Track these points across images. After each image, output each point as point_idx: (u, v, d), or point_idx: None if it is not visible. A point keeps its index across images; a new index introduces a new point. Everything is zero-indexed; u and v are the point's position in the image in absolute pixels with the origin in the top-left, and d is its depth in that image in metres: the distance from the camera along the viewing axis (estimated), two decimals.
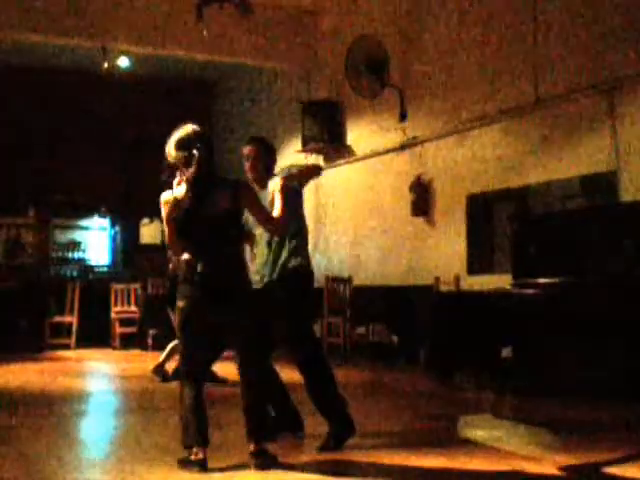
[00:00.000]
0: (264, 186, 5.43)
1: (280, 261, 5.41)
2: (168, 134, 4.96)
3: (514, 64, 9.71)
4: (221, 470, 4.62)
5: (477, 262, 10.13)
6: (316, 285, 13.20)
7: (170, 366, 8.68)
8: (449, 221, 10.69)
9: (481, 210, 10.18)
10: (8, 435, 5.79)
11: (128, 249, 16.70)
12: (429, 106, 11.19)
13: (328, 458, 4.97)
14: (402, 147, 11.60)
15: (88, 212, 16.56)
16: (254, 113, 16.28)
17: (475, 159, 10.31)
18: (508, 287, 8.21)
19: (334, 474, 4.59)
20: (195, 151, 4.79)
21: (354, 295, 11.97)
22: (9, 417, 6.61)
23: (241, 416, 4.78)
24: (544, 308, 7.50)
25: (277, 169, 5.61)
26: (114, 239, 16.87)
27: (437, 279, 10.29)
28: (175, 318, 5.18)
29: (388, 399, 7.93)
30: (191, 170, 4.77)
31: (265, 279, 5.42)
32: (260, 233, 5.44)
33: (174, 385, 7.66)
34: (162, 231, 16.60)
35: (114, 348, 13.42)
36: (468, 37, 10.47)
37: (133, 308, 13.74)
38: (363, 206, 12.35)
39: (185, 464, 4.65)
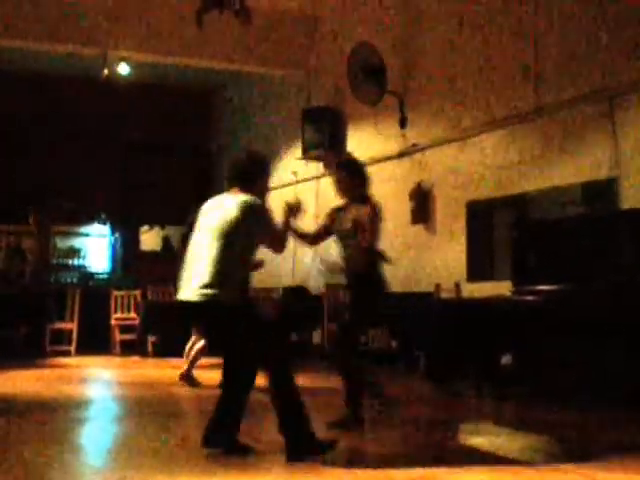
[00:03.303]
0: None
1: None
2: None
3: (514, 71, 9.72)
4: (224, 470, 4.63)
5: (477, 269, 10.13)
6: (316, 292, 13.28)
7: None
8: (449, 228, 10.70)
9: (481, 217, 10.19)
10: (8, 441, 5.78)
11: (128, 256, 16.72)
12: (429, 113, 11.21)
13: (326, 463, 4.96)
14: (402, 154, 11.62)
15: (88, 219, 16.59)
16: (254, 120, 16.30)
17: (475, 166, 10.32)
18: (508, 294, 8.21)
19: None
20: None
21: None
22: (9, 424, 6.61)
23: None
24: (544, 315, 7.50)
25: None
26: (114, 246, 16.89)
27: (437, 286, 10.29)
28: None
29: (387, 405, 7.92)
30: None
31: None
32: None
33: (175, 391, 7.68)
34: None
35: (114, 355, 13.41)
36: (468, 44, 10.49)
37: (133, 315, 13.74)
38: None
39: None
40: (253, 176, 5.31)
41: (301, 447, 4.92)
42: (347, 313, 6.29)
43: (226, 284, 4.92)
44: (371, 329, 10.07)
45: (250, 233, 5.06)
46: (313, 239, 6.49)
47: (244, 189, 5.21)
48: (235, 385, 5.21)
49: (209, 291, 4.89)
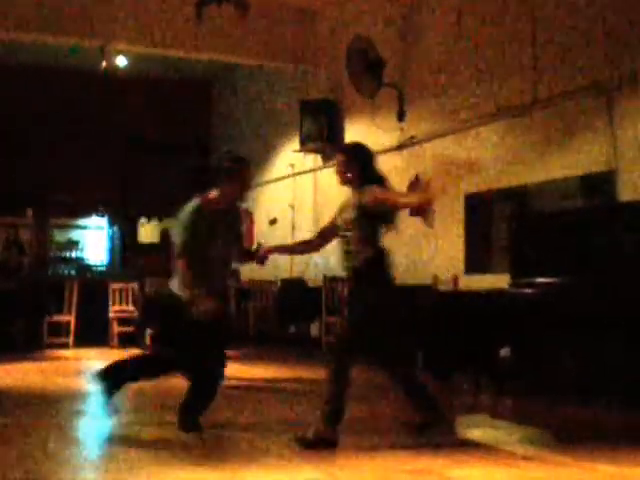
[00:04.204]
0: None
1: None
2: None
3: (512, 63, 9.70)
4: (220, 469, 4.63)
5: (475, 261, 10.12)
6: (314, 285, 13.28)
7: None
8: (447, 221, 10.68)
9: (479, 209, 10.17)
10: (5, 434, 5.78)
11: (126, 248, 16.71)
12: (427, 105, 11.18)
13: (325, 455, 4.97)
14: (400, 146, 11.59)
15: (86, 211, 16.57)
16: (253, 112, 16.28)
17: (473, 158, 10.31)
18: (506, 287, 8.20)
19: (330, 473, 4.59)
20: None
21: None
22: (7, 416, 6.61)
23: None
24: (542, 308, 7.50)
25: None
26: (112, 238, 16.88)
27: (435, 279, 10.29)
28: None
29: (385, 399, 7.93)
30: None
31: None
32: None
33: (173, 384, 7.68)
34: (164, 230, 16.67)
35: (112, 347, 13.42)
36: (466, 36, 10.46)
37: (131, 307, 13.75)
38: None
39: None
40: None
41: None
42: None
43: None
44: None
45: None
46: (318, 242, 6.09)
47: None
48: None
49: None
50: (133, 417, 6.76)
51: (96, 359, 12.07)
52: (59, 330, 13.40)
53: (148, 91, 16.44)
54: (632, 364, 6.79)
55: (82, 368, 11.04)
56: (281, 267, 13.92)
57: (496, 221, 9.93)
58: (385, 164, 11.80)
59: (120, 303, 13.78)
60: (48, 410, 6.98)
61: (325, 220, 6.24)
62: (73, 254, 16.53)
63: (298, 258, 13.62)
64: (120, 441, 5.77)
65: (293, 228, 14.04)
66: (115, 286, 13.85)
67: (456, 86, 10.63)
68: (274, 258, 14.47)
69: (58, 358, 11.85)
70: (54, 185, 15.58)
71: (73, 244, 16.58)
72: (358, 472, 4.65)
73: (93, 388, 9.26)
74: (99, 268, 16.59)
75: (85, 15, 12.10)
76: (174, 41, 12.83)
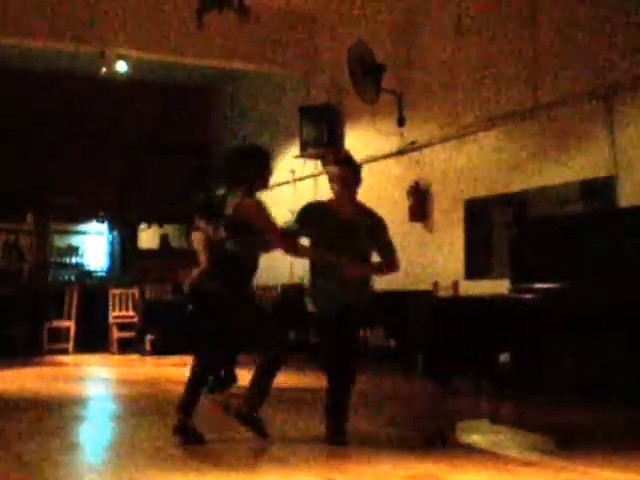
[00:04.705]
0: None
1: None
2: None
3: (512, 69, 9.72)
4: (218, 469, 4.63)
5: (475, 267, 10.12)
6: None
7: None
8: (447, 226, 10.69)
9: (479, 215, 10.18)
10: (6, 440, 5.78)
11: (126, 254, 16.72)
12: (427, 111, 11.19)
13: (325, 461, 4.97)
14: (400, 152, 11.60)
15: (86, 217, 16.58)
16: (253, 118, 16.28)
17: (473, 164, 10.32)
18: (506, 292, 8.20)
19: (330, 478, 4.58)
20: None
21: None
22: (6, 421, 6.61)
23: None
24: (542, 313, 7.49)
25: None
26: (112, 244, 16.89)
27: (435, 284, 10.29)
28: None
29: (385, 404, 7.93)
30: None
31: None
32: None
33: (172, 389, 7.69)
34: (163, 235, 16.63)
35: (112, 353, 13.42)
36: (466, 42, 10.47)
37: (131, 313, 13.74)
38: None
39: None
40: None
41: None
42: None
43: None
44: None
45: None
46: None
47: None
48: None
49: None
50: (133, 422, 6.76)
51: (96, 365, 12.08)
52: (59, 336, 13.40)
53: (149, 95, 16.44)
54: (632, 368, 6.78)
55: (82, 374, 11.05)
56: (281, 273, 13.91)
57: (496, 227, 9.93)
58: (385, 169, 11.93)
59: (120, 309, 13.78)
60: (48, 415, 6.98)
61: None
62: (73, 260, 16.53)
63: (299, 263, 13.61)
64: (120, 446, 5.78)
65: None
66: (115, 291, 13.86)
67: (456, 92, 10.64)
68: (275, 263, 14.42)
69: (58, 364, 11.85)
70: (54, 186, 15.55)
71: (73, 250, 16.58)
72: (358, 476, 4.65)
73: (92, 394, 9.30)
74: (99, 274, 16.59)
75: (86, 20, 12.11)
76: (175, 47, 12.84)
